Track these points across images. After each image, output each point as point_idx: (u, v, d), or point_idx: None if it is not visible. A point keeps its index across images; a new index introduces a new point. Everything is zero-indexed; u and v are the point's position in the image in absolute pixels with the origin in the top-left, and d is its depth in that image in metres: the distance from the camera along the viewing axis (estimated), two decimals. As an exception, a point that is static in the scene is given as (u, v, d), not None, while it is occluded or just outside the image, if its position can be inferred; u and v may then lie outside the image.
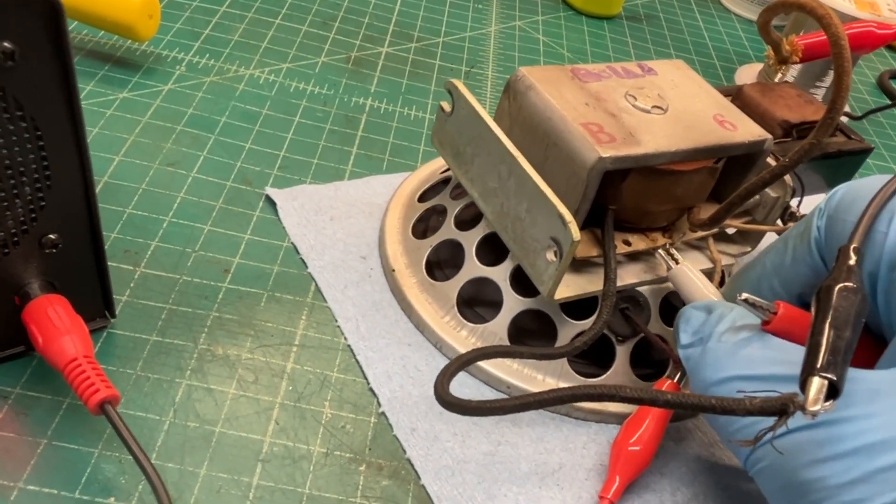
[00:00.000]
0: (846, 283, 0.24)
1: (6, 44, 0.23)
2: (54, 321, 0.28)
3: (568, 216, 0.31)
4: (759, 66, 0.68)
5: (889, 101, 0.71)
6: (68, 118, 0.26)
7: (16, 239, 0.28)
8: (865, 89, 0.72)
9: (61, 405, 0.30)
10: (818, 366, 0.22)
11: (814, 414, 0.21)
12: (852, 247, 0.26)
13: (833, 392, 0.22)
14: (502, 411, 0.28)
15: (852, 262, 0.25)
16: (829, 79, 0.63)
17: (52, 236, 0.29)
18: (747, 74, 0.67)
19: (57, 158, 0.27)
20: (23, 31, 0.23)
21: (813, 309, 0.24)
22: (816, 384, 0.21)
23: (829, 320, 0.23)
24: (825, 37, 0.28)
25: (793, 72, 0.63)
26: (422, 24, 0.62)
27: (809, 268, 0.30)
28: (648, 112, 0.35)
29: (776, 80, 0.44)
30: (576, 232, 0.30)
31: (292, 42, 0.56)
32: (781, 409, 0.21)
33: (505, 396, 0.35)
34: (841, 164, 0.42)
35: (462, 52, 0.60)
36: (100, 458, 0.29)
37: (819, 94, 0.63)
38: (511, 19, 0.67)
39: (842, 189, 0.29)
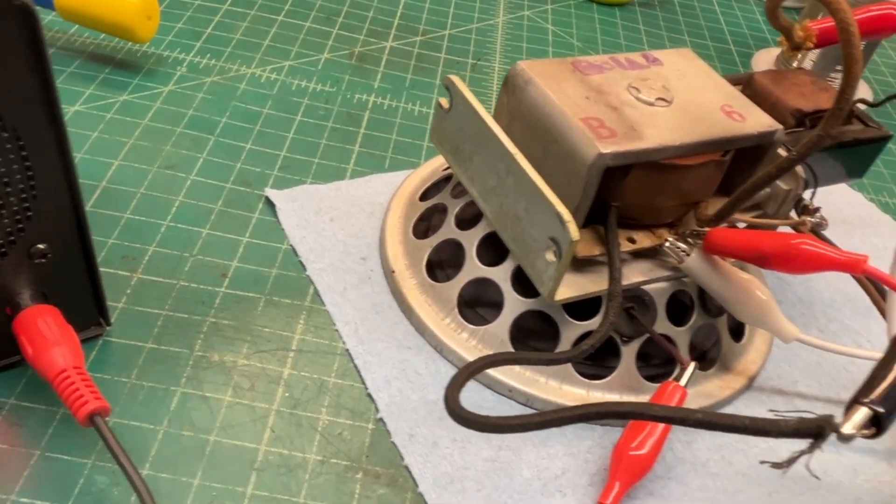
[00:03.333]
0: None
1: (-21, 54, 0.23)
2: (44, 332, 0.28)
3: (566, 215, 0.30)
4: (776, 51, 0.66)
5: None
6: (50, 127, 0.26)
7: (3, 250, 0.28)
8: (889, 72, 0.70)
9: (55, 416, 0.30)
10: (872, 397, 0.22)
11: (848, 439, 0.21)
12: None
13: (877, 424, 0.21)
14: (523, 429, 0.27)
15: None
16: (849, 62, 0.61)
17: (40, 246, 0.28)
18: (764, 60, 0.65)
19: (41, 168, 0.26)
20: (-4, 41, 0.23)
21: (889, 347, 0.24)
22: (863, 413, 0.21)
23: None
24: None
25: (812, 56, 0.61)
26: (427, 17, 0.61)
27: None
28: (652, 104, 0.34)
29: (793, 66, 0.43)
30: (575, 231, 0.29)
31: (295, 39, 0.55)
32: (817, 431, 0.21)
33: (522, 407, 0.35)
34: (858, 152, 0.40)
35: (469, 45, 0.59)
36: (93, 469, 0.29)
37: (839, 78, 0.61)
38: (519, 9, 0.65)
39: None
